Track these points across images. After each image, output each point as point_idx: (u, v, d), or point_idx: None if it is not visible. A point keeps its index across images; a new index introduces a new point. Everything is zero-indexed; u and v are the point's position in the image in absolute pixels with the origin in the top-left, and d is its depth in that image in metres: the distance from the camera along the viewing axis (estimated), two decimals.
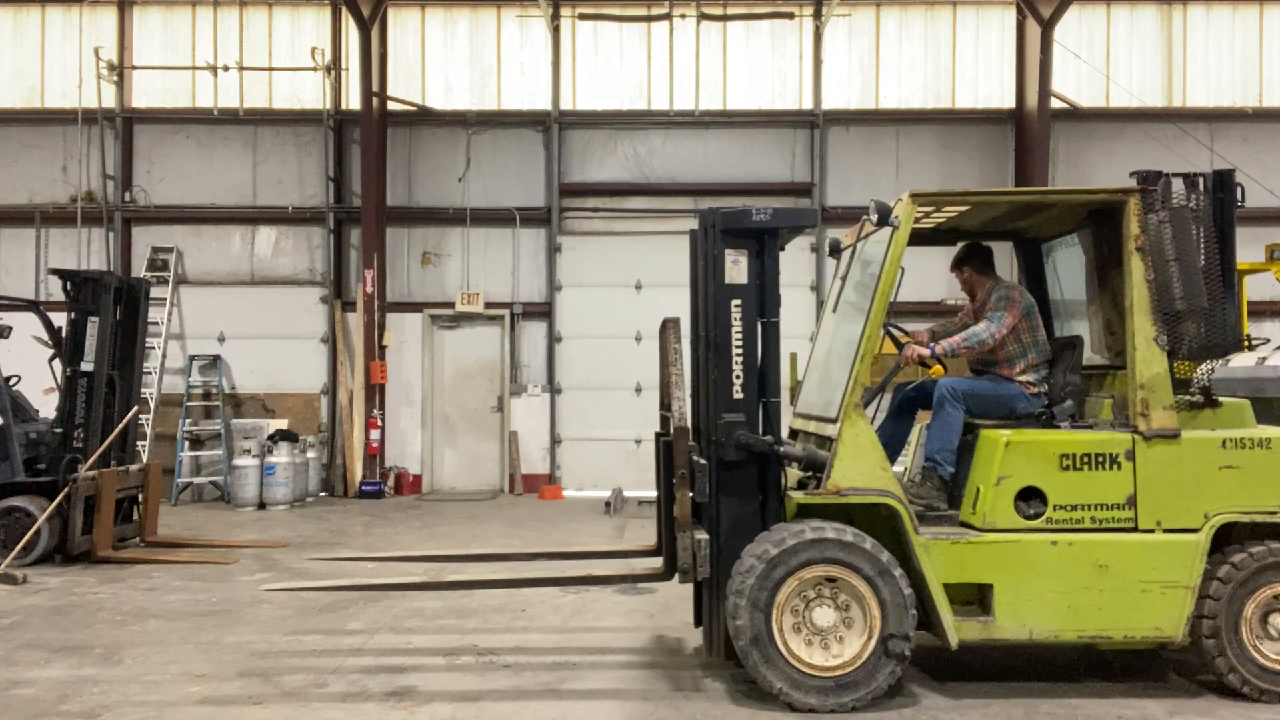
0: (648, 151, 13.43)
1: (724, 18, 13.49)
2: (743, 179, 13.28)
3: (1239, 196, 9.24)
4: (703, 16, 13.42)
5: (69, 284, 8.55)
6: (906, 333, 5.36)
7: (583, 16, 13.48)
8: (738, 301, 4.79)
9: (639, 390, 13.09)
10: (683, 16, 13.44)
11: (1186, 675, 5.08)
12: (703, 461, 4.70)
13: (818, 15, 13.40)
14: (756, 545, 4.55)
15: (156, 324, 12.40)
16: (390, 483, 12.89)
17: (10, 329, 9.27)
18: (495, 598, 6.81)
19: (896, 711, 4.57)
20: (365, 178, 12.90)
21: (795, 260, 13.12)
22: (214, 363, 13.05)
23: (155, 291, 11.79)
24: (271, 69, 13.44)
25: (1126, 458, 4.62)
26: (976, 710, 4.59)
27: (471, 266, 13.34)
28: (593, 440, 13.14)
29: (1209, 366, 5.00)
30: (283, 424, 12.70)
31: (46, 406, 9.50)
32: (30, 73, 13.54)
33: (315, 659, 5.42)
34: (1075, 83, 13.38)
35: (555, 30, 13.40)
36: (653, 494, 5.85)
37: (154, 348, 12.45)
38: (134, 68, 13.44)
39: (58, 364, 8.75)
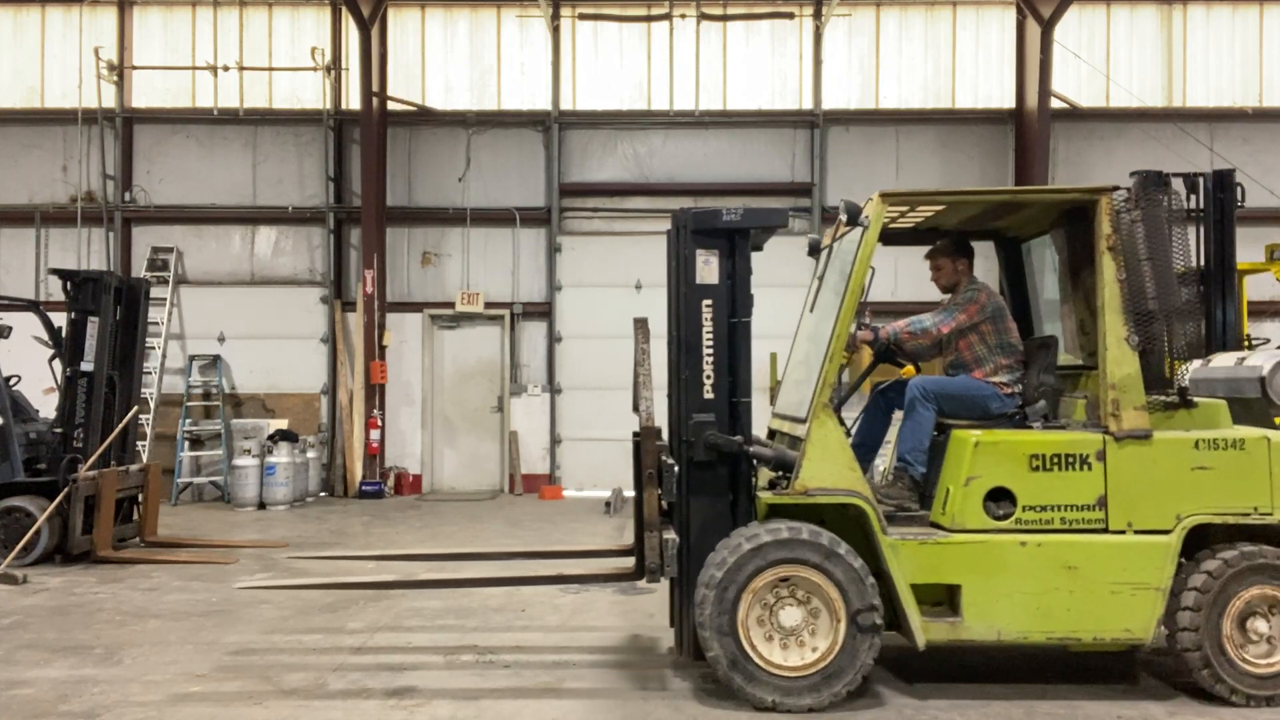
0: (648, 151, 13.43)
1: (724, 18, 13.49)
2: (743, 179, 13.28)
3: (1239, 196, 9.28)
4: (703, 16, 13.42)
5: (69, 284, 8.55)
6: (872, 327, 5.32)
7: (583, 16, 13.48)
8: (709, 302, 4.80)
9: None
10: (683, 16, 13.44)
11: (1159, 677, 5.05)
12: (670, 461, 4.69)
13: (818, 15, 13.40)
14: (715, 553, 4.56)
15: (156, 324, 12.40)
16: (390, 483, 12.89)
17: (10, 329, 9.27)
18: (495, 598, 6.81)
19: (895, 710, 4.57)
20: (365, 178, 12.91)
21: (795, 260, 13.10)
22: (214, 363, 13.05)
23: (155, 291, 11.79)
24: (271, 69, 13.44)
25: (1097, 458, 4.59)
26: (975, 709, 4.59)
27: (471, 266, 13.34)
28: (593, 440, 13.14)
29: (1185, 367, 4.97)
30: (283, 424, 12.70)
31: (46, 406, 9.50)
32: (30, 73, 13.54)
33: (315, 658, 5.42)
34: (1075, 83, 13.38)
35: (555, 30, 13.40)
36: None
37: (154, 348, 12.45)
38: (134, 68, 13.44)
39: (58, 364, 8.75)
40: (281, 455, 11.62)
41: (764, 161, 13.38)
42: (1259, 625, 4.56)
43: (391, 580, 5.61)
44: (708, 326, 4.79)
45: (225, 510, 11.63)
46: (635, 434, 5.19)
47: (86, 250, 13.29)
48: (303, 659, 5.42)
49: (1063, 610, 4.54)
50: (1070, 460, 4.60)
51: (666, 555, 4.62)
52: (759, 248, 5.08)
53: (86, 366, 8.44)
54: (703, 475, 4.76)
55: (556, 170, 13.31)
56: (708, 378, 4.78)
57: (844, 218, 4.79)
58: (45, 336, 8.96)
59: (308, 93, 13.47)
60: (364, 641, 5.78)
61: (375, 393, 12.82)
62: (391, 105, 13.31)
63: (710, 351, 4.79)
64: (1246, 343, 9.38)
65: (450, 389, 13.42)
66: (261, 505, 11.60)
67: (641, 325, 4.90)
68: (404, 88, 13.45)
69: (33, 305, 9.36)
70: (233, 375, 13.25)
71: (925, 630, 4.55)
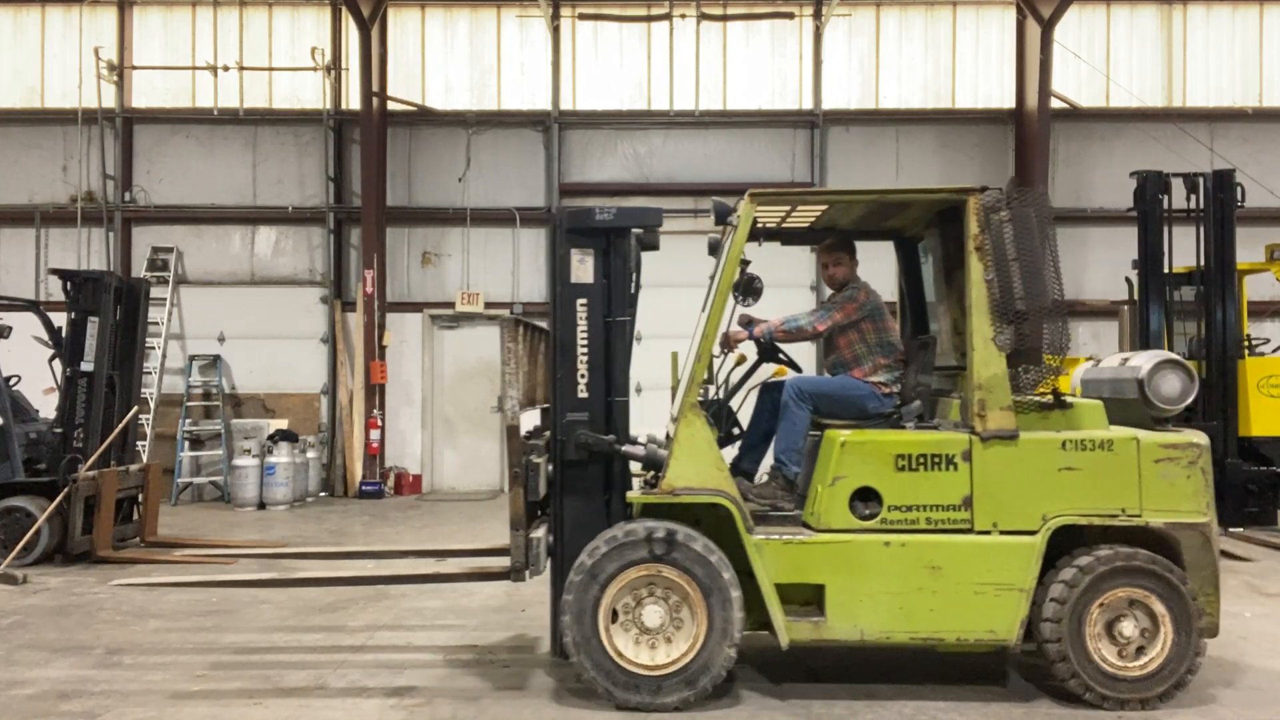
0: (648, 151, 13.43)
1: (724, 18, 13.49)
2: (743, 179, 13.27)
3: (1239, 196, 9.30)
4: (703, 16, 13.42)
5: (69, 284, 8.55)
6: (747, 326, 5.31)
7: (583, 16, 13.48)
8: (583, 301, 4.81)
9: (639, 390, 13.06)
10: (683, 16, 13.45)
11: (1031, 678, 4.98)
12: (535, 460, 4.69)
13: (818, 15, 13.40)
14: (582, 554, 4.56)
15: (156, 324, 12.39)
16: (390, 483, 12.89)
17: (10, 329, 9.27)
18: (495, 598, 6.81)
19: (754, 709, 4.57)
20: (365, 178, 12.91)
21: (795, 260, 13.11)
22: (214, 363, 13.05)
23: (155, 291, 11.78)
24: (271, 69, 13.44)
25: (963, 459, 4.56)
26: (826, 707, 4.59)
27: (471, 266, 13.34)
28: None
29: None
30: (283, 424, 12.70)
31: (46, 406, 9.49)
32: (30, 73, 13.54)
33: (315, 658, 5.42)
34: (1075, 83, 13.38)
35: (555, 30, 13.40)
36: None
37: (154, 348, 12.45)
38: (134, 68, 13.44)
39: (58, 364, 8.75)
40: (281, 455, 11.62)
41: (764, 161, 13.38)
42: (1125, 628, 4.50)
43: (264, 579, 5.69)
44: (582, 326, 4.80)
45: (225, 510, 11.63)
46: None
47: (86, 250, 13.29)
48: (303, 659, 5.42)
49: (926, 611, 4.52)
50: (936, 460, 4.57)
51: (531, 555, 4.65)
52: (652, 247, 5.11)
53: (86, 366, 8.44)
54: (576, 474, 4.78)
55: (556, 170, 13.32)
56: (582, 377, 4.79)
57: (713, 218, 4.81)
58: (45, 336, 8.95)
59: (308, 93, 13.47)
60: (364, 641, 5.78)
61: (375, 393, 12.82)
62: (391, 105, 13.31)
63: (585, 351, 4.80)
64: (1246, 342, 9.39)
65: (450, 389, 13.42)
66: (261, 505, 11.60)
67: (507, 325, 4.91)
68: (404, 88, 13.45)
69: (33, 305, 9.36)
70: (233, 375, 13.25)
71: (789, 630, 4.54)
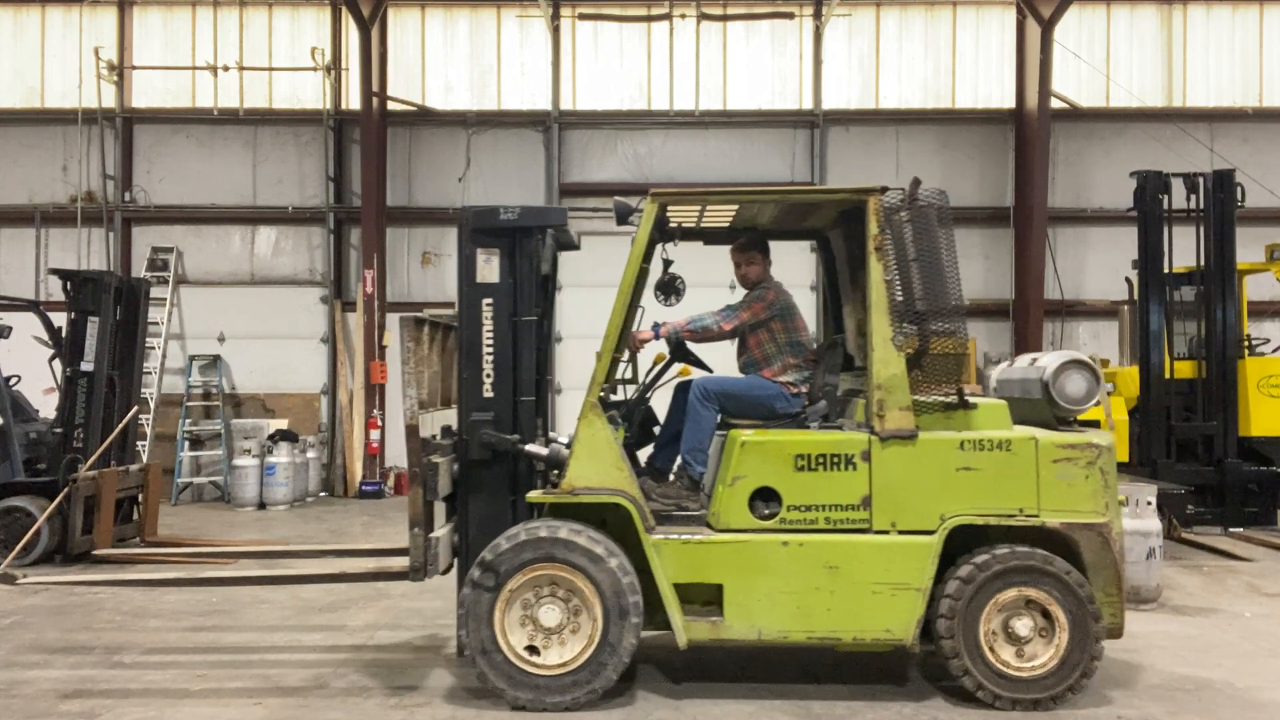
0: (648, 151, 13.43)
1: (724, 18, 13.49)
2: (743, 179, 13.27)
3: (1239, 196, 9.30)
4: (703, 16, 13.43)
5: (69, 284, 8.55)
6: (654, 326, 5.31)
7: (583, 16, 13.48)
8: (489, 300, 4.80)
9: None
10: (683, 16, 13.45)
11: (930, 678, 5.02)
12: (435, 460, 4.68)
13: (818, 15, 13.40)
14: (483, 552, 4.56)
15: (156, 324, 12.39)
16: (390, 483, 12.89)
17: (10, 329, 9.27)
18: None
19: (650, 708, 4.57)
20: (365, 178, 12.91)
21: (796, 260, 13.11)
22: (214, 363, 13.05)
23: (155, 291, 11.78)
24: (271, 69, 13.44)
25: (862, 459, 4.56)
26: (722, 706, 4.59)
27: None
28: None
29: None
30: (283, 424, 12.69)
31: (46, 406, 9.49)
32: (30, 73, 13.54)
33: (315, 658, 5.42)
34: (1075, 83, 13.38)
35: (555, 30, 13.40)
36: None
37: (154, 348, 12.45)
38: (134, 68, 13.44)
39: (58, 364, 8.75)
40: (281, 455, 11.62)
41: (764, 161, 13.38)
42: (1020, 628, 4.49)
43: (164, 578, 5.74)
44: (488, 325, 4.80)
45: (225, 510, 11.63)
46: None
47: (86, 250, 13.29)
48: (303, 658, 5.42)
49: (823, 610, 4.52)
50: (835, 460, 4.57)
51: (430, 554, 4.65)
52: (571, 247, 5.06)
53: (86, 366, 8.44)
54: (480, 474, 4.78)
55: (556, 170, 13.31)
56: (487, 376, 4.79)
57: (615, 218, 4.81)
58: (45, 336, 8.95)
59: (308, 93, 13.47)
60: (365, 640, 5.78)
61: (375, 393, 12.82)
62: (391, 105, 13.31)
63: (490, 350, 4.79)
64: (1246, 342, 9.40)
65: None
66: (261, 505, 11.60)
67: (407, 324, 4.90)
68: (404, 88, 13.45)
69: (33, 305, 9.36)
70: (233, 375, 13.25)
71: (687, 629, 4.55)
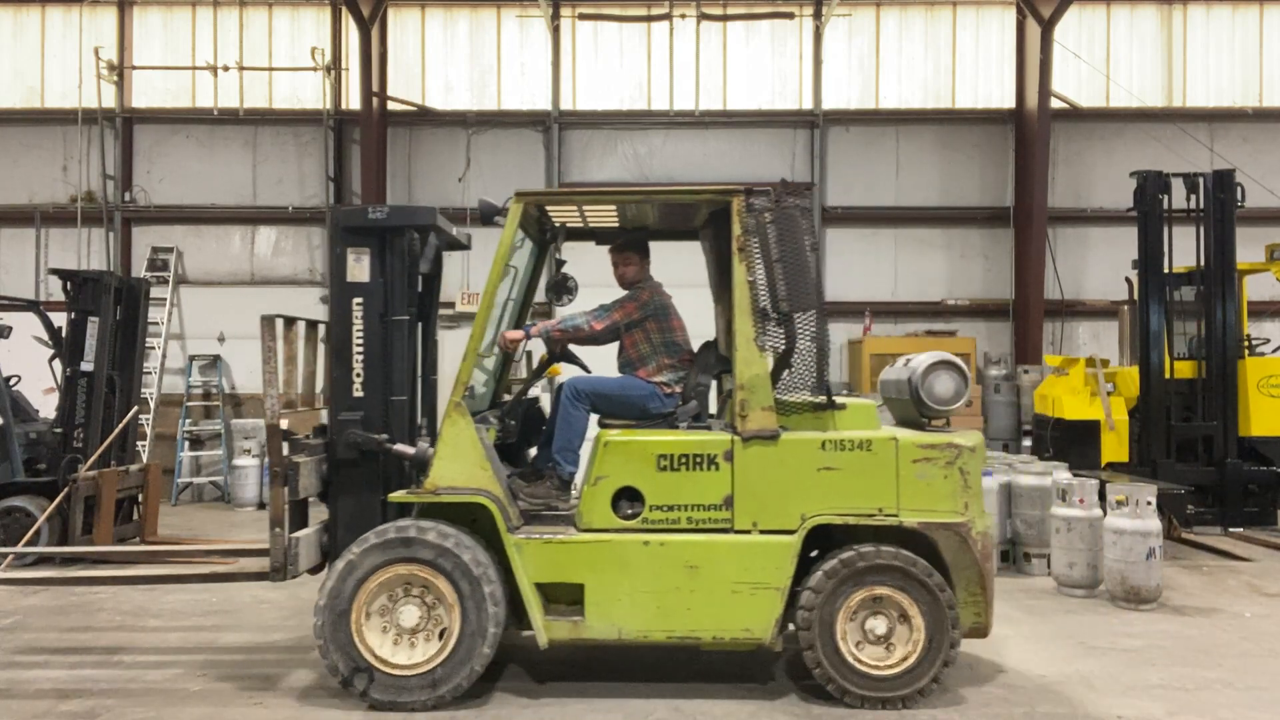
0: (648, 151, 13.43)
1: (724, 18, 13.49)
2: (743, 179, 13.21)
3: (1239, 196, 9.31)
4: (703, 16, 13.42)
5: (69, 284, 8.54)
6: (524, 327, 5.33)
7: (583, 16, 13.48)
8: (359, 300, 4.81)
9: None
10: (683, 16, 13.45)
11: (793, 677, 5.02)
12: (298, 459, 4.68)
13: (818, 15, 13.40)
14: (345, 551, 4.56)
15: (156, 324, 12.39)
16: None
17: (10, 329, 9.27)
18: None
19: (510, 708, 4.57)
20: (365, 178, 12.91)
21: None
22: (214, 363, 13.05)
23: (155, 291, 11.79)
24: (271, 69, 13.44)
25: (725, 459, 4.58)
26: (579, 705, 4.58)
27: (472, 267, 13.33)
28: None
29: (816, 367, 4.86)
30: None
31: (46, 406, 9.49)
32: (30, 73, 13.54)
33: (316, 658, 5.42)
34: (1075, 83, 13.38)
35: (555, 30, 13.40)
36: None
37: (154, 348, 12.45)
38: (134, 68, 13.44)
39: (58, 364, 8.74)
40: None
41: (764, 161, 13.37)
42: (877, 627, 4.52)
43: (36, 577, 5.83)
44: (358, 325, 4.81)
45: (225, 510, 11.62)
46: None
47: (86, 250, 13.29)
48: (303, 658, 5.42)
49: (683, 610, 4.54)
50: (698, 460, 4.59)
51: (290, 555, 4.64)
52: (458, 246, 5.10)
53: (86, 366, 8.43)
54: (350, 473, 4.79)
55: (556, 170, 13.31)
56: (357, 376, 4.81)
57: (480, 217, 4.84)
58: (45, 336, 8.95)
59: (308, 93, 13.47)
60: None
61: None
62: (391, 105, 13.31)
63: (360, 350, 4.80)
64: (1246, 342, 9.40)
65: (450, 388, 13.40)
66: (261, 505, 11.57)
67: (267, 324, 4.90)
68: (404, 88, 13.45)
69: (33, 305, 9.35)
70: (233, 375, 13.25)
71: (548, 629, 4.57)
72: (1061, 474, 7.73)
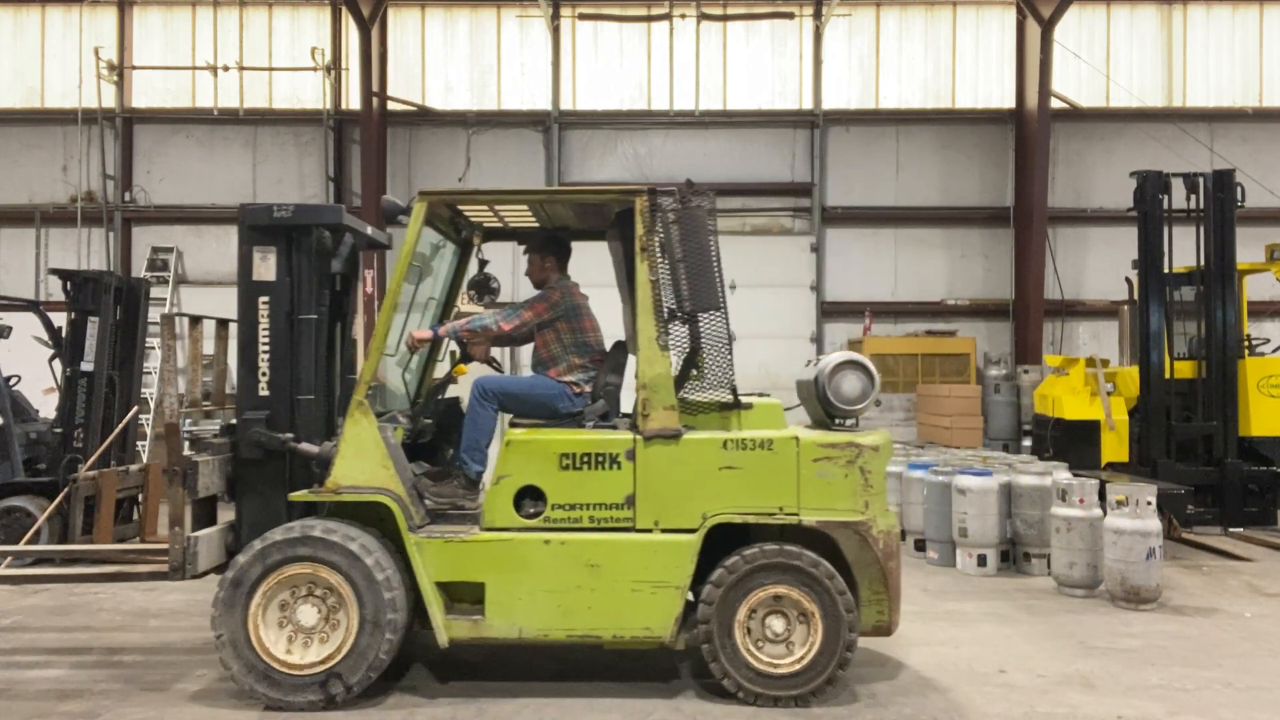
0: (647, 151, 13.43)
1: (724, 18, 13.49)
2: (743, 179, 13.28)
3: (1239, 196, 9.30)
4: (703, 16, 13.43)
5: (69, 284, 8.53)
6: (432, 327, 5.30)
7: (583, 16, 13.48)
8: (265, 298, 4.78)
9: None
10: (683, 16, 13.45)
11: (699, 675, 5.01)
12: (197, 458, 4.67)
13: (818, 15, 13.40)
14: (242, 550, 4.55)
15: (156, 324, 12.37)
16: None
17: (10, 329, 9.26)
18: None
19: (405, 710, 4.57)
20: (365, 178, 12.91)
21: (796, 260, 13.12)
22: (214, 363, 13.02)
23: (155, 291, 11.78)
24: (271, 69, 13.44)
25: (627, 458, 4.58)
26: (469, 706, 4.58)
27: (471, 266, 13.32)
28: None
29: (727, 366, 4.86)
30: None
31: (46, 406, 9.49)
32: (30, 73, 13.54)
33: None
34: (1075, 83, 13.38)
35: (555, 30, 13.40)
36: None
37: (154, 348, 12.43)
38: (134, 68, 13.44)
39: (58, 364, 8.74)
40: None
41: (764, 161, 13.38)
42: (776, 625, 4.54)
43: None
44: (264, 323, 4.79)
45: (225, 510, 11.57)
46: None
47: (86, 250, 13.29)
48: None
49: (584, 608, 4.53)
50: (600, 460, 4.59)
51: (188, 554, 4.64)
52: (379, 246, 5.04)
53: (86, 366, 8.42)
54: (255, 472, 4.78)
55: (556, 170, 13.31)
56: (263, 374, 4.79)
57: (385, 217, 4.84)
58: (45, 336, 8.94)
59: (308, 93, 13.47)
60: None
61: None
62: (391, 105, 13.31)
63: (266, 349, 4.79)
64: (1246, 342, 9.39)
65: (450, 388, 13.40)
66: None
67: (166, 321, 4.88)
68: (404, 88, 13.45)
69: (33, 305, 9.34)
70: (233, 376, 13.23)
71: (447, 628, 4.55)
72: (1061, 474, 7.72)
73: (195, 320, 5.03)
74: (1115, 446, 9.15)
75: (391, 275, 4.79)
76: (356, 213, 13.17)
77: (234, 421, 4.94)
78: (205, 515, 4.94)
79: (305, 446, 4.74)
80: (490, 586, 4.56)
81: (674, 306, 4.64)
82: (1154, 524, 6.52)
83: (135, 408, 8.94)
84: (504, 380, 5.16)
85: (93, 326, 8.45)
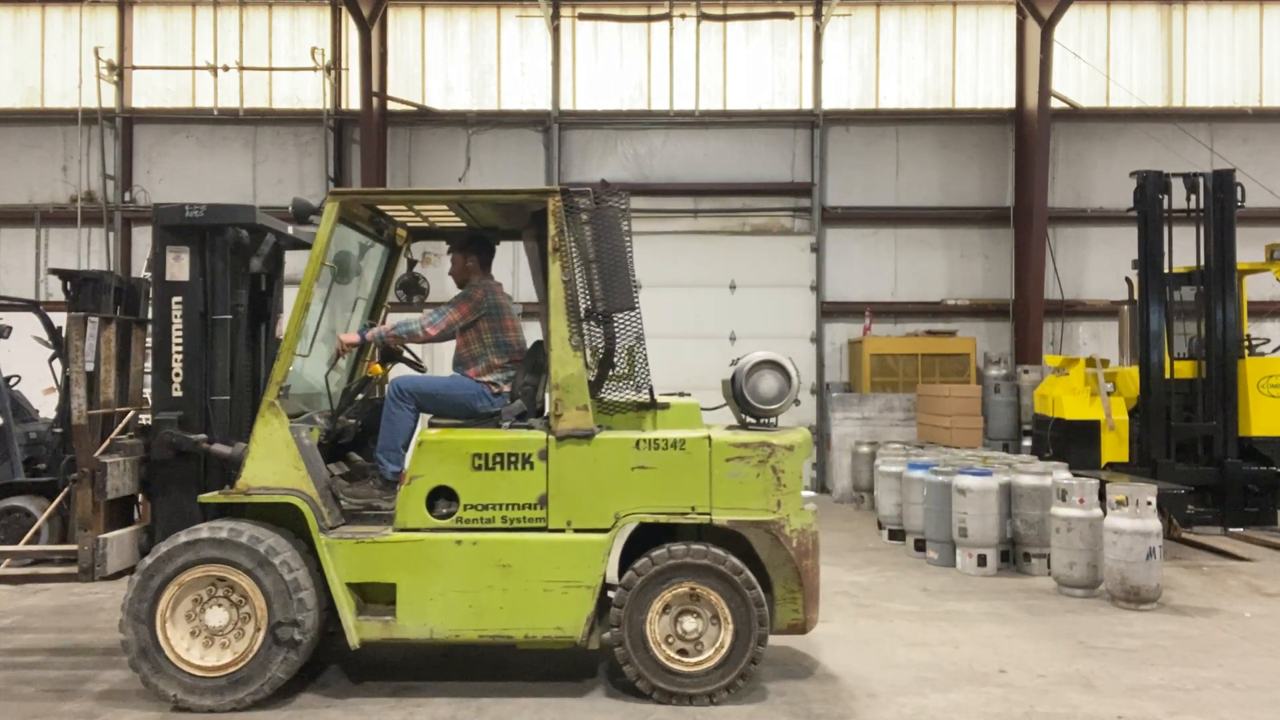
0: (648, 152, 13.43)
1: (724, 18, 13.49)
2: (743, 179, 13.28)
3: (1239, 196, 9.31)
4: (703, 16, 13.43)
5: (69, 284, 8.53)
6: (360, 330, 5.32)
7: (583, 16, 13.48)
8: (179, 299, 4.80)
9: None
10: (683, 16, 13.45)
11: (613, 674, 5.02)
12: (105, 460, 4.66)
13: (818, 15, 13.40)
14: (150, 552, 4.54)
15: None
16: None
17: (10, 329, 9.26)
18: None
19: (311, 711, 4.57)
20: (365, 178, 12.91)
21: (796, 260, 13.11)
22: None
23: None
24: (271, 69, 13.44)
25: (540, 458, 4.60)
26: (395, 706, 4.58)
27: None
28: None
29: (640, 364, 4.87)
30: None
31: (46, 406, 9.49)
32: (30, 73, 13.54)
33: (314, 657, 5.41)
34: (1075, 83, 13.38)
35: (555, 30, 13.40)
36: None
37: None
38: (134, 68, 13.44)
39: (58, 364, 8.74)
40: None
41: (764, 161, 13.38)
42: (687, 624, 4.56)
43: None
44: (177, 324, 4.80)
45: None
46: None
47: (86, 250, 13.29)
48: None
49: (495, 609, 4.55)
50: (513, 460, 4.61)
51: (97, 555, 4.63)
52: (302, 246, 5.08)
53: (87, 366, 8.42)
54: (168, 473, 4.78)
55: (556, 170, 13.31)
56: (176, 375, 4.80)
57: (295, 217, 4.87)
58: (45, 336, 8.94)
59: (308, 93, 13.47)
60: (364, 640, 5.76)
61: (375, 392, 12.79)
62: (391, 105, 13.31)
63: (180, 349, 4.79)
64: (1246, 342, 9.40)
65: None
66: None
67: (75, 323, 4.88)
68: (404, 88, 13.45)
69: (33, 305, 9.34)
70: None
71: (358, 629, 4.57)
72: (1061, 474, 7.73)
73: (108, 320, 5.02)
74: (1115, 446, 9.15)
75: (305, 274, 4.77)
76: None
77: (147, 422, 4.92)
78: (121, 516, 4.91)
79: (218, 448, 4.73)
80: (402, 587, 4.57)
81: (589, 307, 4.64)
82: (1154, 524, 6.52)
83: (133, 410, 8.93)
84: (420, 380, 5.16)
85: (93, 327, 8.44)
